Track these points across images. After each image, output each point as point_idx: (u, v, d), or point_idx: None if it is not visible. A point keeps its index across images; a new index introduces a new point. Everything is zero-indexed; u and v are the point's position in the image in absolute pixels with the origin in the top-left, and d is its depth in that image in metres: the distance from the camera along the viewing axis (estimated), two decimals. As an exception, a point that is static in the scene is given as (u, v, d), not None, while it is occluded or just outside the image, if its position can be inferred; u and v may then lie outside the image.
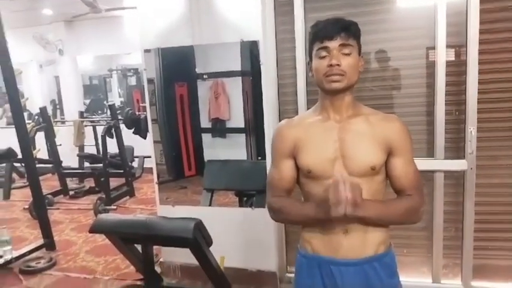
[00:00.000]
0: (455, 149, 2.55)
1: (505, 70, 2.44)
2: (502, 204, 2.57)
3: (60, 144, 6.05)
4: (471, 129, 2.44)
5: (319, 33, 1.30)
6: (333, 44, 1.27)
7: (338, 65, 1.26)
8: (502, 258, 2.63)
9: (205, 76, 2.87)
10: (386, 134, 1.33)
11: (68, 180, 6.05)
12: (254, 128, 2.82)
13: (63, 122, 7.21)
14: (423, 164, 2.44)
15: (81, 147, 6.25)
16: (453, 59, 2.47)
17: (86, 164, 6.14)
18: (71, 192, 5.88)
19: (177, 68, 2.94)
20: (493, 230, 2.60)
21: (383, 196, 1.38)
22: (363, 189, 1.21)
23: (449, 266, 2.69)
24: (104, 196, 5.09)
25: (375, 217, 1.27)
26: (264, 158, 2.79)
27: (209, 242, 2.19)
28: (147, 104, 3.06)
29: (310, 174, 1.34)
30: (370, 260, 1.34)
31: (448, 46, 2.42)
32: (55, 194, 5.67)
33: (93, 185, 5.88)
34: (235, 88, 2.82)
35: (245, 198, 2.98)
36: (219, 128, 2.93)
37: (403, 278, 1.44)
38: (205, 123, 2.94)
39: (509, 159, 2.53)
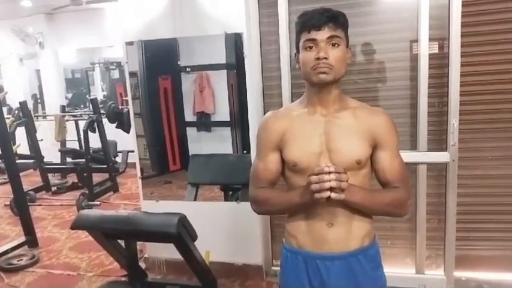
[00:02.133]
0: (438, 141, 2.57)
1: (487, 63, 2.47)
2: (484, 196, 2.62)
3: (42, 139, 5.94)
4: (453, 121, 2.46)
5: (307, 23, 1.27)
6: (321, 36, 1.25)
7: (326, 58, 1.24)
8: (484, 248, 2.67)
9: (189, 69, 2.84)
10: (372, 127, 1.33)
11: (50, 175, 5.97)
12: (239, 121, 2.80)
13: (44, 117, 7.06)
14: (406, 156, 2.42)
15: (63, 142, 6.14)
16: (436, 51, 2.49)
17: (68, 159, 6.05)
18: (54, 188, 5.79)
19: (161, 61, 2.90)
20: (475, 221, 2.65)
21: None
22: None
23: (432, 256, 2.72)
24: (87, 192, 5.01)
25: (360, 202, 1.26)
26: (249, 151, 2.78)
27: (194, 237, 2.17)
28: (129, 98, 3.01)
29: (295, 168, 1.34)
30: (355, 253, 1.34)
31: (431, 39, 2.44)
32: (37, 190, 5.59)
33: (75, 180, 5.80)
34: (220, 81, 2.80)
35: (230, 192, 2.97)
36: (204, 122, 2.90)
37: (387, 269, 1.45)
38: (189, 116, 2.91)
39: (491, 151, 2.57)
